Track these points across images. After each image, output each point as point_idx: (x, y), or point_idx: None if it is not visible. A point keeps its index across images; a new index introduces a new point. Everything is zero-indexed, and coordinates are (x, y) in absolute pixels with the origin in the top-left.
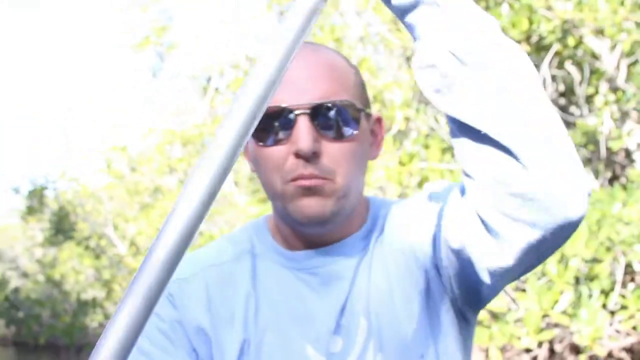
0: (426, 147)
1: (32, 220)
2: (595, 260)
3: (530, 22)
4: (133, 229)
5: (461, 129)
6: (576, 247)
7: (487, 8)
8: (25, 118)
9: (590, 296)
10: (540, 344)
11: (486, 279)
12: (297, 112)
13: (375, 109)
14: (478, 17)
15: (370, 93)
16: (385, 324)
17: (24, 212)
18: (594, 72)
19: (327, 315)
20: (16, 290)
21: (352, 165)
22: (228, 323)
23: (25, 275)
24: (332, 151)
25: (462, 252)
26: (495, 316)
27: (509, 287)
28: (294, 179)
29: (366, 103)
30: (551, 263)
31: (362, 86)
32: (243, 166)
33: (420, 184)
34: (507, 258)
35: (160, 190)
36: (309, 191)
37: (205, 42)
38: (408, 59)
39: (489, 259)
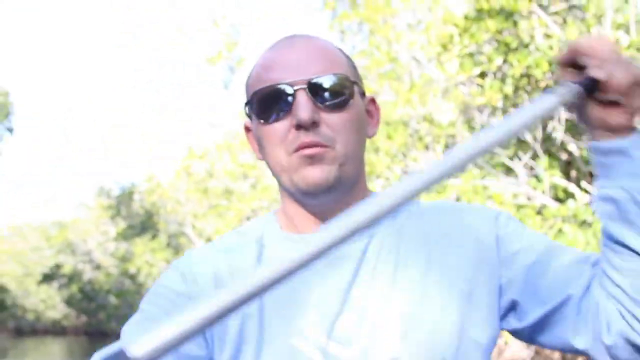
0: None
1: (120, 219)
2: None
3: (549, 64)
4: (210, 228)
5: (629, 254)
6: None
7: (512, 50)
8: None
9: None
10: None
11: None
12: (295, 87)
13: (425, 128)
14: None
15: (419, 114)
16: (385, 306)
17: (113, 212)
18: None
19: (331, 296)
20: (90, 282)
21: (351, 134)
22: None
23: (98, 267)
24: (331, 120)
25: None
26: None
27: None
28: (297, 149)
29: (360, 82)
30: None
31: (354, 67)
32: None
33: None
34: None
35: (234, 193)
36: (312, 159)
37: None
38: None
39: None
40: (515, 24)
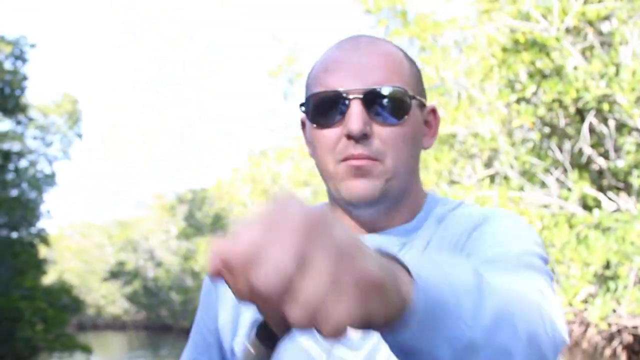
0: (506, 178)
1: (193, 221)
2: (618, 264)
3: (577, 91)
4: None
5: None
6: (603, 254)
7: (544, 77)
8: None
9: (608, 290)
10: None
11: None
12: (350, 96)
13: (470, 142)
14: None
15: (464, 132)
16: None
17: (175, 212)
18: (623, 126)
19: None
20: (152, 278)
21: (402, 149)
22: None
23: (159, 265)
24: (383, 134)
25: None
26: None
27: None
28: (345, 159)
29: (421, 93)
30: (576, 267)
31: (417, 77)
32: None
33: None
34: None
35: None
36: (359, 171)
37: None
38: (488, 111)
39: None
40: (547, 54)
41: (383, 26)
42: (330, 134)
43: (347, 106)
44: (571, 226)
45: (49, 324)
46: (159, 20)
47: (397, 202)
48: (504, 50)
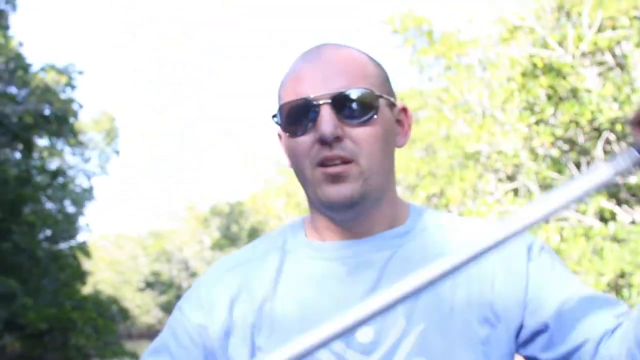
0: (528, 192)
1: (228, 233)
2: (632, 273)
3: (592, 113)
4: None
5: None
6: (616, 265)
7: (561, 99)
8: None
9: (622, 297)
10: None
11: None
12: (320, 102)
13: (494, 158)
14: None
15: (488, 150)
16: (432, 335)
17: (221, 226)
18: None
19: (353, 303)
20: (187, 288)
21: (375, 148)
22: (244, 323)
23: (193, 275)
24: (354, 135)
25: None
26: None
27: None
28: (320, 163)
29: (389, 93)
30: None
31: (383, 77)
32: None
33: None
34: None
35: None
36: (335, 178)
37: None
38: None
39: None
40: (564, 78)
41: (409, 45)
42: (304, 141)
43: (317, 112)
44: (588, 238)
45: (99, 333)
46: (159, 20)
47: (376, 202)
48: (524, 75)
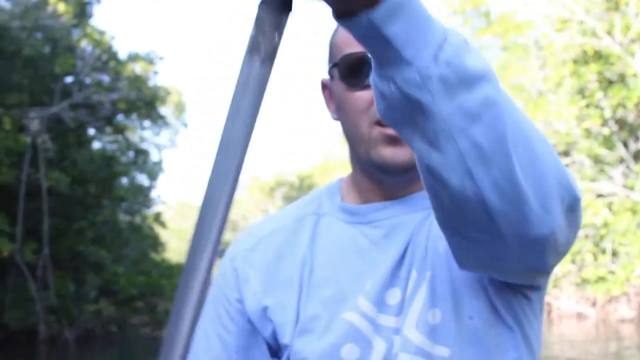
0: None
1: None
2: None
3: (639, 96)
4: None
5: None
6: None
7: (610, 83)
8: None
9: None
10: None
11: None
12: None
13: (548, 137)
14: None
15: (544, 126)
16: (439, 282)
17: (285, 195)
18: None
19: (385, 267)
20: None
21: None
22: (286, 287)
23: None
24: None
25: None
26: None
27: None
28: (379, 122)
29: None
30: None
31: None
32: None
33: None
34: None
35: None
36: (394, 140)
37: None
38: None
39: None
40: (612, 64)
41: (468, 25)
42: (364, 96)
43: None
44: (634, 213)
45: None
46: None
47: None
48: (575, 62)
